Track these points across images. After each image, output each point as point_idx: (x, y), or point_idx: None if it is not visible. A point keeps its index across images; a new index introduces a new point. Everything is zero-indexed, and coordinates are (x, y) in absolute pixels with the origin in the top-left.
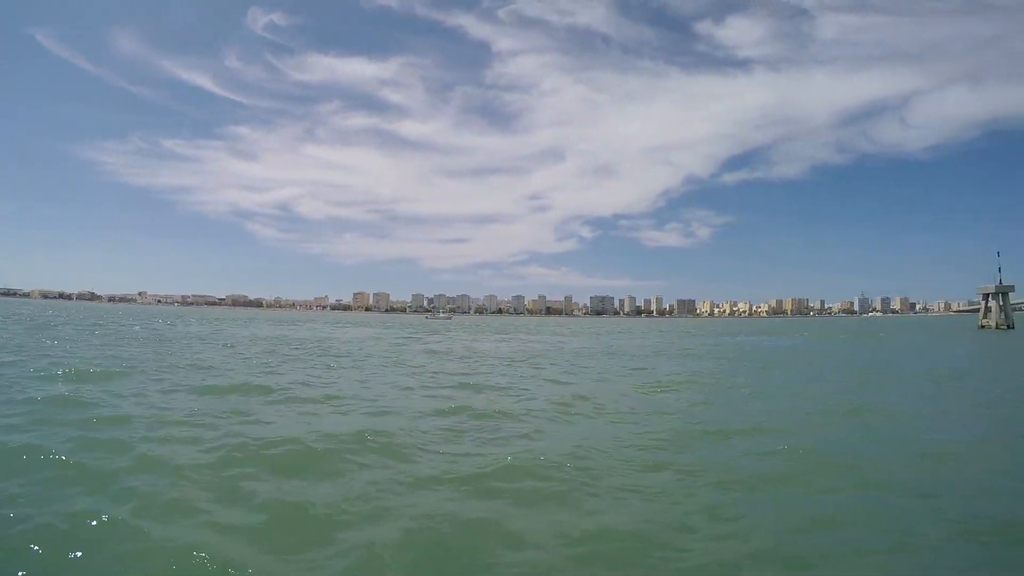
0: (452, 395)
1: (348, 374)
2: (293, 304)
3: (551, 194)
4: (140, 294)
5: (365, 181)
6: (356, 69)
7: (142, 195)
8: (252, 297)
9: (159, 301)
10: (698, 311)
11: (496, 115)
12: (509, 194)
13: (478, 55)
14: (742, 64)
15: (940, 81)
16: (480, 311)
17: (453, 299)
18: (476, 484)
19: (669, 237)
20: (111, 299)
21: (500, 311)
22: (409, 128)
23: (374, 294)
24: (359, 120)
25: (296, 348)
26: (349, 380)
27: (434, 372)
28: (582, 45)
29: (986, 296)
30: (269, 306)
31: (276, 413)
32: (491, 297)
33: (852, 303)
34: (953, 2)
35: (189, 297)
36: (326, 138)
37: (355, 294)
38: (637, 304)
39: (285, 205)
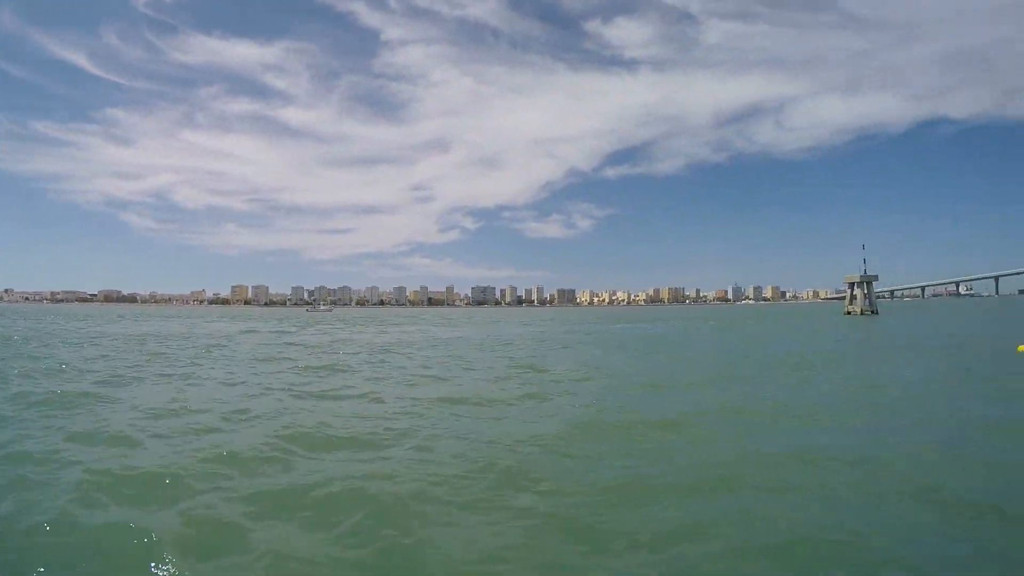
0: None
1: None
2: (169, 299)
3: (435, 185)
4: (6, 291)
5: (246, 169)
6: (240, 52)
7: (8, 182)
8: (126, 292)
9: (26, 299)
10: (579, 300)
11: (382, 104)
12: (393, 184)
13: (366, 43)
14: (628, 64)
15: (816, 88)
16: (362, 303)
17: (335, 291)
18: None
19: (551, 228)
20: None
21: (382, 302)
22: (292, 115)
23: (253, 287)
24: (241, 106)
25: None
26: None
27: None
28: (471, 38)
29: (852, 285)
30: (144, 301)
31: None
32: (373, 288)
33: (726, 292)
34: (832, 16)
35: (59, 294)
36: (206, 123)
37: (234, 287)
38: (518, 294)
39: (161, 193)
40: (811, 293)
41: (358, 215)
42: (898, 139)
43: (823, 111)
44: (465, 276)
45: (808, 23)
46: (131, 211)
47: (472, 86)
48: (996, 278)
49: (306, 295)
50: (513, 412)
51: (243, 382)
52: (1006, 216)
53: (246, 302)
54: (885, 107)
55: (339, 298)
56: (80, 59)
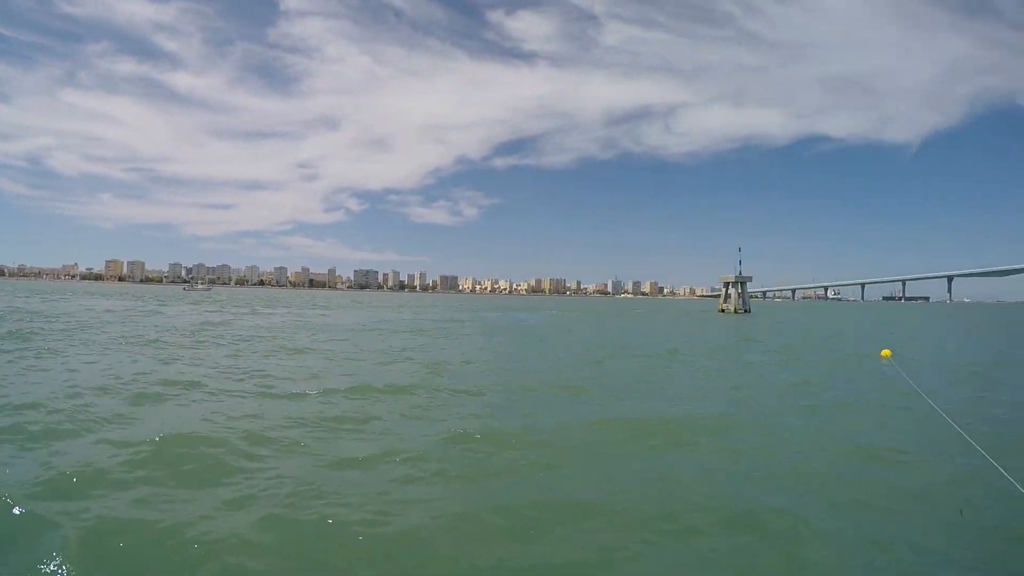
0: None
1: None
2: (39, 272)
3: (322, 163)
4: None
5: (127, 135)
6: (131, 8)
7: None
8: None
9: None
10: (461, 288)
11: (275, 76)
12: (279, 160)
13: (265, 11)
14: (527, 57)
15: (706, 97)
16: (241, 282)
17: (214, 269)
18: None
19: (436, 214)
20: None
21: (262, 282)
22: (181, 81)
23: (128, 262)
24: (127, 66)
25: None
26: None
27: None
28: (373, 16)
29: (727, 284)
30: (12, 275)
31: None
32: (253, 268)
33: (606, 285)
34: (729, 31)
35: None
36: (89, 83)
37: (108, 262)
38: (401, 279)
39: (35, 157)
40: (688, 290)
41: (241, 190)
42: (779, 151)
43: (710, 119)
44: (348, 258)
45: (705, 35)
46: (1, 175)
47: (368, 65)
48: (862, 285)
49: (184, 273)
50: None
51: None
52: (873, 229)
53: (120, 278)
54: (769, 121)
55: (218, 277)
56: None
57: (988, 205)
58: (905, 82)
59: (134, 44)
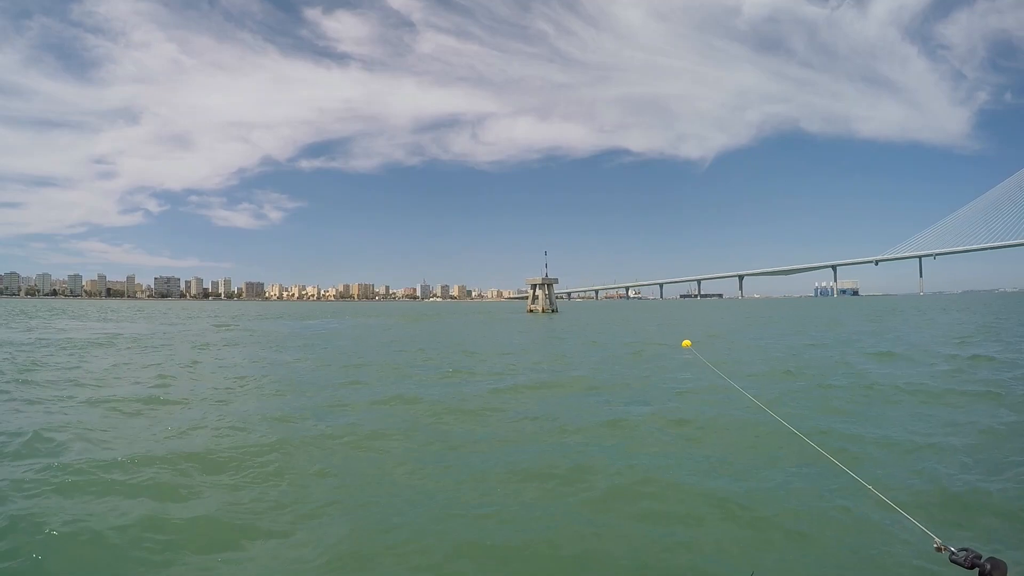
0: None
1: None
2: None
3: (119, 159)
4: None
5: None
6: None
7: None
8: None
9: None
10: (267, 294)
11: (74, 59)
12: (72, 154)
13: None
14: (339, 58)
15: (513, 110)
16: (32, 292)
17: (1, 278)
18: None
19: (240, 217)
20: None
21: (55, 292)
22: None
23: None
24: None
25: None
26: None
27: None
28: (185, 1)
29: (534, 286)
30: None
31: None
32: (44, 276)
33: (415, 289)
34: (541, 49)
35: None
36: None
37: None
38: (205, 286)
39: None
40: (496, 292)
41: (29, 187)
42: (582, 162)
43: (517, 130)
44: (146, 265)
45: (517, 51)
46: None
47: (174, 54)
48: (661, 284)
49: None
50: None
51: None
52: (671, 233)
53: None
54: (573, 134)
55: (6, 286)
56: None
57: (776, 213)
58: (699, 105)
59: None
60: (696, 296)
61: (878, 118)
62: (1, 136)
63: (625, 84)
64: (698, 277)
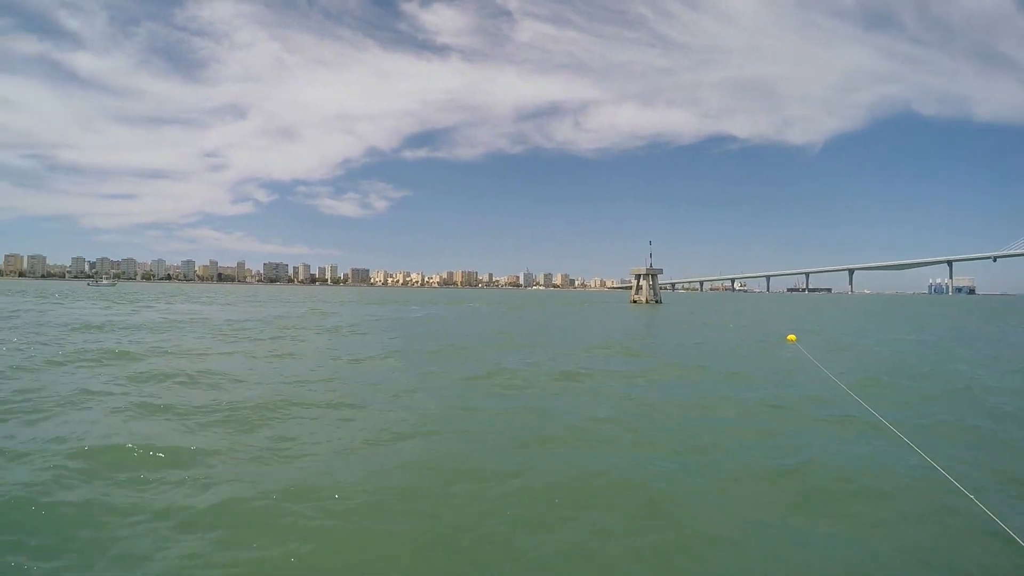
0: None
1: None
2: None
3: (229, 152)
4: None
5: (23, 119)
6: None
7: None
8: None
9: None
10: (372, 280)
11: (181, 61)
12: (184, 149)
13: None
14: (439, 49)
15: (616, 96)
16: (148, 277)
17: (118, 263)
18: None
19: (347, 206)
20: None
21: (169, 277)
22: (83, 61)
23: (28, 257)
24: (27, 45)
25: None
26: None
27: None
28: (285, 1)
29: (638, 276)
30: None
31: None
32: (159, 262)
33: (518, 277)
34: (641, 34)
35: None
36: None
37: (7, 256)
38: (312, 272)
39: None
40: (598, 282)
41: (144, 180)
42: (686, 149)
43: (620, 116)
44: (256, 251)
45: (617, 36)
46: None
47: (278, 52)
48: (767, 277)
49: (87, 267)
50: None
51: None
52: (779, 224)
53: (21, 274)
54: (677, 119)
55: (123, 271)
56: None
57: (887, 203)
58: (806, 88)
59: (35, 21)
60: (803, 290)
61: (996, 99)
62: (116, 134)
63: (728, 67)
64: (806, 270)
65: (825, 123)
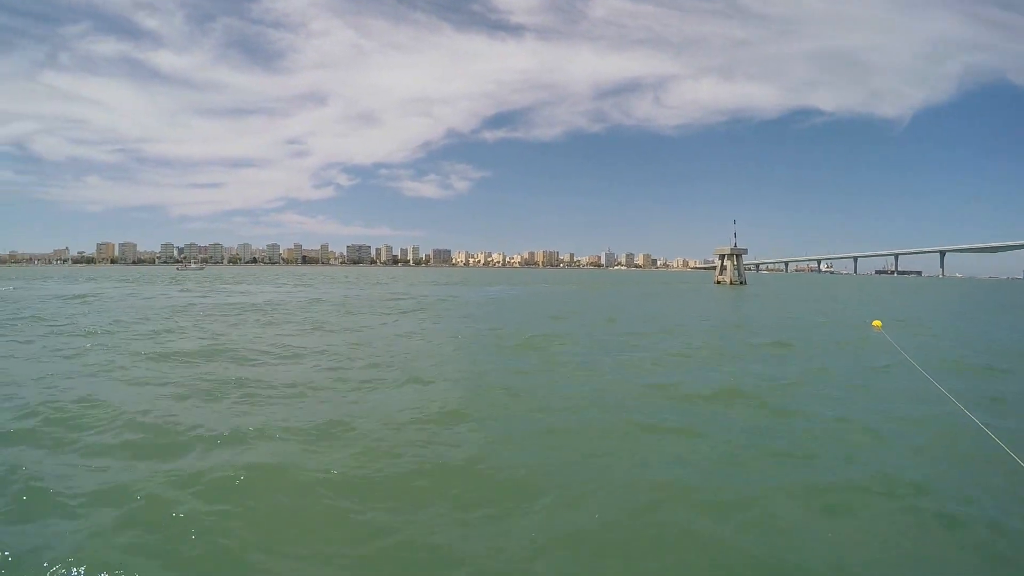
0: None
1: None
2: (31, 258)
3: (310, 139)
4: None
5: (111, 117)
6: None
7: None
8: None
9: None
10: (454, 261)
11: (259, 52)
12: (267, 137)
13: None
14: (513, 29)
15: (694, 70)
16: (235, 261)
17: (205, 248)
18: None
19: (427, 188)
20: None
21: (255, 260)
22: (164, 59)
23: (120, 244)
24: (109, 46)
25: None
26: None
27: None
28: None
29: (722, 256)
30: (3, 262)
31: None
32: (245, 246)
33: (599, 257)
34: (716, 4)
35: None
36: (70, 65)
37: (99, 245)
38: (394, 253)
39: (19, 142)
40: (681, 262)
41: (228, 169)
42: (770, 124)
43: (700, 92)
44: (339, 234)
45: (693, 8)
46: None
47: (353, 39)
48: (855, 258)
49: (176, 253)
50: None
51: None
52: (866, 202)
53: (113, 261)
54: (759, 93)
55: (210, 256)
56: None
57: (980, 181)
58: (892, 58)
59: (115, 23)
60: (892, 272)
61: None
62: (201, 126)
63: (810, 38)
64: (894, 251)
65: (913, 95)
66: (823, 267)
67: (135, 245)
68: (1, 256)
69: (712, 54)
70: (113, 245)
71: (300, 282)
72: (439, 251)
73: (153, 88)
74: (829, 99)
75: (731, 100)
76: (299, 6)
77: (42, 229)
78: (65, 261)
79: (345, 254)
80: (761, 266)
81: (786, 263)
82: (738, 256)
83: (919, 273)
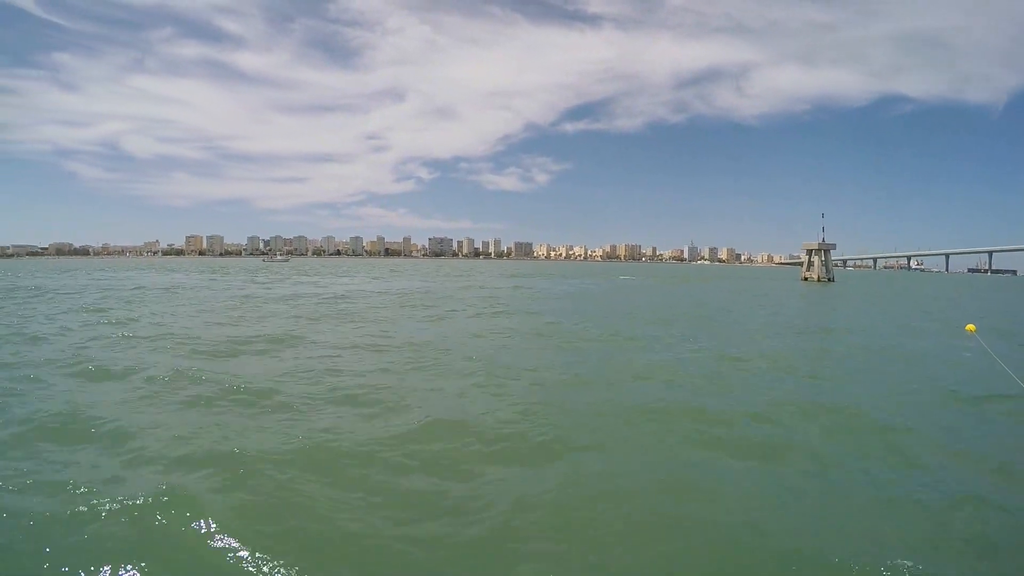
0: None
1: None
2: (123, 251)
3: (389, 134)
4: None
5: (196, 116)
6: None
7: None
8: (78, 245)
9: None
10: (536, 254)
11: (337, 51)
12: (347, 133)
13: None
14: (590, 19)
15: (776, 57)
16: (319, 253)
17: (290, 241)
18: None
19: (508, 181)
20: None
21: (339, 252)
22: (245, 60)
23: (208, 237)
24: (192, 49)
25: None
26: None
27: None
28: None
29: (810, 252)
30: (97, 254)
31: None
32: (329, 239)
33: (682, 251)
34: None
35: (8, 248)
36: (156, 68)
37: (188, 238)
38: (476, 246)
39: (110, 142)
40: (766, 257)
41: (311, 163)
42: (855, 112)
43: (782, 79)
44: (419, 227)
45: None
46: (79, 160)
47: (429, 35)
48: (946, 255)
49: (261, 245)
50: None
51: None
52: (959, 196)
53: (201, 252)
54: (843, 80)
55: (294, 248)
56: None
57: None
58: (982, 40)
59: (197, 27)
60: (986, 271)
61: None
62: (283, 123)
63: (894, 19)
64: (989, 248)
65: (1005, 79)
66: (913, 264)
67: (222, 237)
68: (94, 248)
69: (793, 39)
70: (201, 238)
71: (394, 272)
72: (520, 244)
73: (236, 87)
74: (915, 84)
75: (814, 87)
76: (374, 4)
77: (133, 223)
78: (155, 253)
79: (427, 246)
80: (848, 262)
81: (875, 259)
82: (826, 252)
83: (1014, 272)
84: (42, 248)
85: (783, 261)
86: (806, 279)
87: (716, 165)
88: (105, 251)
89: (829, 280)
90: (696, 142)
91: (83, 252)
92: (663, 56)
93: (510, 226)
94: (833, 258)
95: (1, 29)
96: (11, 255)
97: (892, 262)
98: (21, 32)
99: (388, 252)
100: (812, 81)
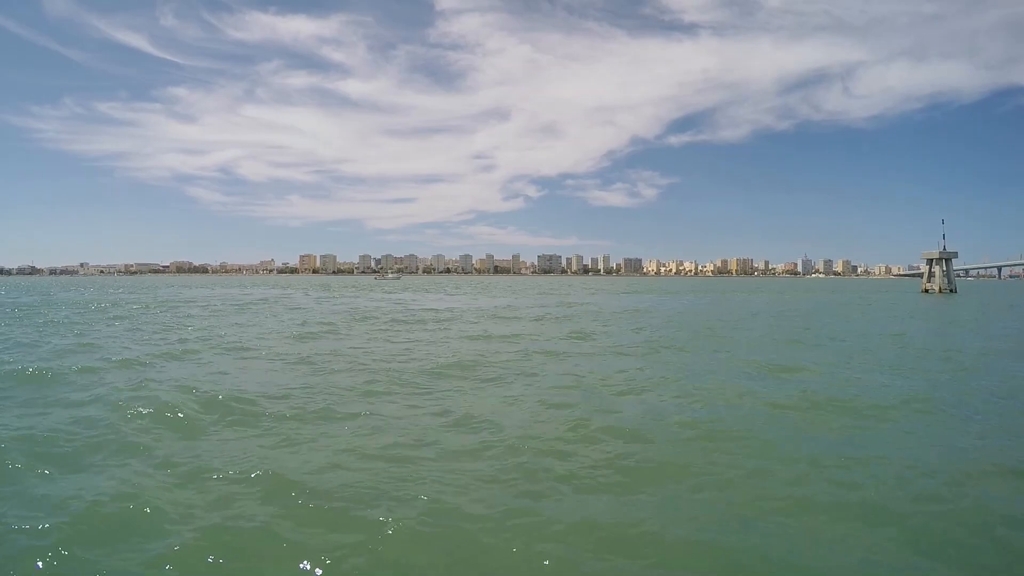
0: None
1: None
2: (240, 269)
3: (496, 153)
4: (82, 265)
5: (307, 142)
6: (296, 27)
7: (78, 162)
8: (197, 263)
9: (101, 271)
10: (645, 270)
11: (440, 74)
12: (453, 153)
13: (421, 13)
14: (687, 28)
15: (883, 54)
16: (429, 271)
17: (401, 259)
18: None
19: (615, 197)
20: (52, 272)
21: (448, 270)
22: (351, 87)
23: (321, 256)
24: (300, 79)
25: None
26: None
27: None
28: (527, 5)
29: (930, 261)
30: (215, 271)
31: None
32: (439, 257)
33: (796, 264)
34: None
35: (132, 266)
36: (266, 98)
37: (302, 256)
38: (584, 263)
39: (226, 168)
40: (883, 268)
41: (419, 184)
42: (970, 108)
43: (891, 77)
44: (528, 244)
45: None
46: (198, 185)
47: (529, 54)
48: None
49: (373, 263)
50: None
51: None
52: None
53: (314, 271)
54: (955, 74)
55: (405, 266)
56: (140, 41)
57: None
58: None
59: (303, 58)
60: None
61: None
62: (391, 146)
63: (1006, 4)
64: None
65: None
66: None
67: (335, 256)
68: (213, 267)
69: (900, 33)
70: (315, 256)
71: (510, 290)
72: (630, 260)
73: (343, 113)
74: None
75: (926, 84)
76: (473, 27)
77: (249, 243)
78: (271, 271)
79: (536, 263)
80: (971, 271)
81: (999, 267)
82: (947, 261)
83: None
84: (163, 266)
85: (902, 272)
86: (927, 290)
87: (827, 172)
88: (223, 269)
89: (951, 291)
90: (805, 149)
91: (202, 270)
92: (764, 61)
93: (617, 243)
94: (954, 267)
95: (120, 67)
96: (135, 272)
97: (1018, 270)
98: (139, 70)
99: (497, 269)
100: (923, 77)
